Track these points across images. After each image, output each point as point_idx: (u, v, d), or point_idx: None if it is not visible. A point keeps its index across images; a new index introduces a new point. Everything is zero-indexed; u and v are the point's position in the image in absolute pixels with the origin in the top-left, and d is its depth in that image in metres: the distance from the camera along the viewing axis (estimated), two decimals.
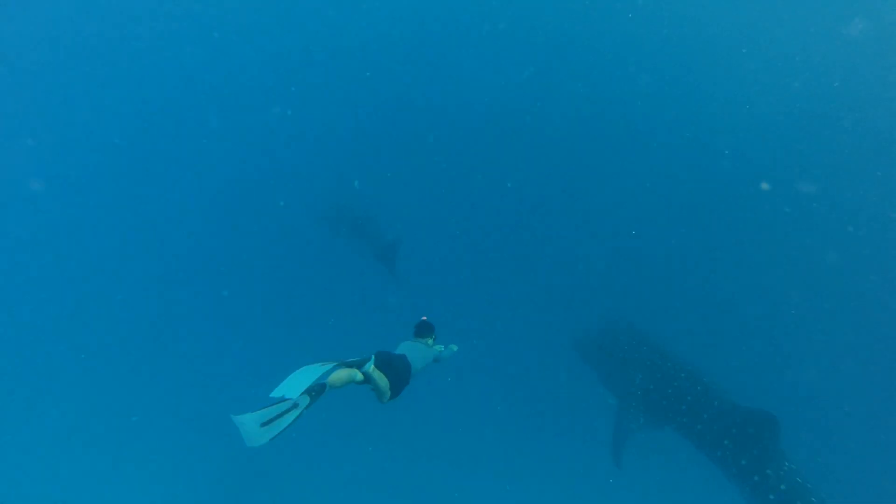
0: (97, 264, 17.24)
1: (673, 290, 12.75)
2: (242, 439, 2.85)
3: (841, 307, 11.83)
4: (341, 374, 3.29)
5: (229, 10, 23.23)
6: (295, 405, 3.01)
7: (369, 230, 13.19)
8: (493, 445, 11.12)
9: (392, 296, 13.13)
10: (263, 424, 2.86)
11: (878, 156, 14.89)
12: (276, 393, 2.90)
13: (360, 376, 3.43)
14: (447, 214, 15.85)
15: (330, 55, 22.21)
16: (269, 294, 15.36)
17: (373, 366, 3.50)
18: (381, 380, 3.56)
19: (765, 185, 14.48)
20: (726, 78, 17.95)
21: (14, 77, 24.03)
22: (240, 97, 22.30)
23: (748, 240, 13.70)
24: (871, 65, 16.58)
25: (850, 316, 11.68)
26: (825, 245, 13.02)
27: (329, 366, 3.23)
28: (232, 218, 17.83)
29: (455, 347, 5.12)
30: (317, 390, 3.13)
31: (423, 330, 4.72)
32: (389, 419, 10.50)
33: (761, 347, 11.28)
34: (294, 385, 2.95)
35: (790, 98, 16.91)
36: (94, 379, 13.54)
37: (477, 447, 11.12)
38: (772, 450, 6.42)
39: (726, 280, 12.84)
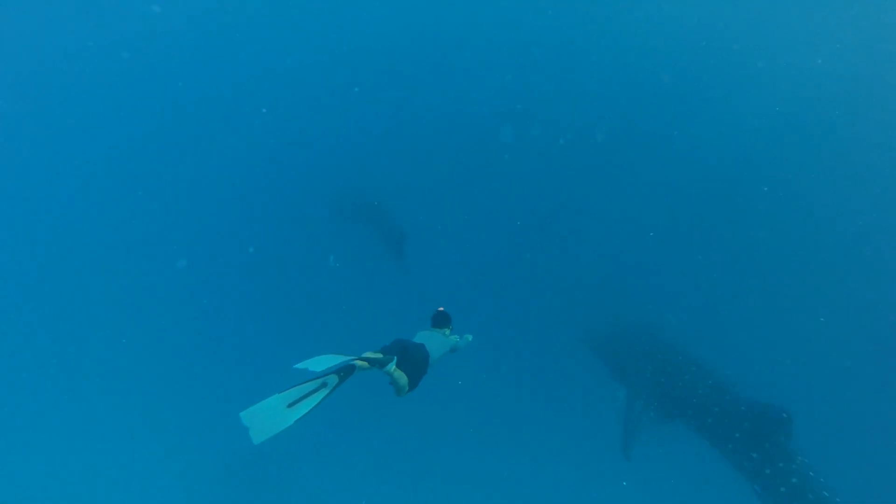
0: (102, 261, 17.14)
1: (684, 285, 12.75)
2: (249, 436, 2.68)
3: (857, 303, 11.83)
4: (364, 363, 3.31)
5: (230, 11, 23.29)
6: (324, 384, 2.97)
7: (379, 220, 13.26)
8: (500, 438, 11.03)
9: (401, 286, 13.13)
10: (291, 405, 2.81)
11: (880, 156, 14.96)
12: (300, 365, 2.87)
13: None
14: (460, 209, 15.83)
15: (339, 54, 22.29)
16: (278, 289, 15.26)
17: (394, 366, 3.52)
18: (402, 378, 3.60)
19: (772, 186, 14.52)
20: (729, 81, 18.09)
21: (13, 77, 24.00)
22: (246, 95, 22.34)
23: (761, 237, 13.70)
24: (871, 66, 16.68)
25: (865, 312, 11.66)
26: (834, 243, 13.07)
27: (350, 357, 3.23)
28: (238, 212, 17.77)
29: (470, 337, 5.09)
30: (346, 371, 3.12)
31: (441, 320, 4.69)
32: (392, 418, 10.52)
33: (773, 342, 11.25)
34: (318, 363, 2.93)
35: (792, 100, 17.00)
36: (94, 379, 13.45)
37: (484, 440, 11.03)
38: (784, 444, 6.40)
39: (738, 275, 12.85)
